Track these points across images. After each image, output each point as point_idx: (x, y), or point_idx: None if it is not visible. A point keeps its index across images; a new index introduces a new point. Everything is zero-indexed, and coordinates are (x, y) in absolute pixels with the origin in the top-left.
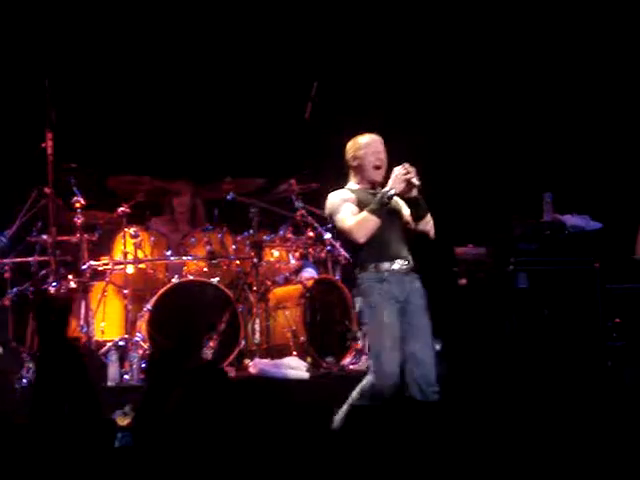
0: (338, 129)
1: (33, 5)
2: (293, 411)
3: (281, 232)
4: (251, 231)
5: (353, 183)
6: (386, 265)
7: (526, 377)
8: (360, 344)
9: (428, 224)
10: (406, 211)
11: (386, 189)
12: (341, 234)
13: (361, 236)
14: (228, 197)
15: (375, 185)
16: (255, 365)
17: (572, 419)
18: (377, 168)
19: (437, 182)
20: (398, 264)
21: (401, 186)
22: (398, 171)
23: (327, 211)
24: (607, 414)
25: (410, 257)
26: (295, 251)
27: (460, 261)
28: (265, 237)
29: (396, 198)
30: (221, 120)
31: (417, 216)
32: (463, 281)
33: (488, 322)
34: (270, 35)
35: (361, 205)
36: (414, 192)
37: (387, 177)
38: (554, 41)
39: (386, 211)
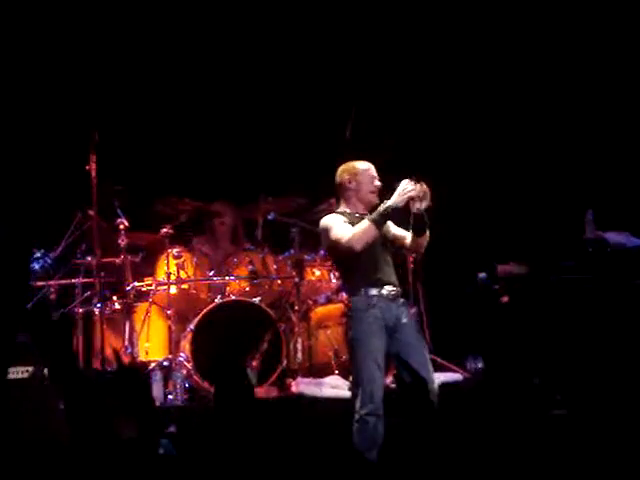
0: (377, 149)
1: (80, 29)
2: (334, 430)
3: (322, 251)
4: (292, 251)
5: (344, 207)
6: (374, 291)
7: (573, 394)
8: None
9: (425, 240)
10: (397, 233)
11: (389, 202)
12: (335, 249)
13: (359, 246)
14: (269, 217)
15: (368, 208)
16: (297, 384)
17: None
18: (373, 192)
19: (481, 196)
20: (387, 290)
21: (403, 200)
22: (404, 185)
23: (321, 230)
24: None
25: (397, 282)
26: (336, 270)
27: (502, 279)
28: (306, 256)
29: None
30: (261, 140)
31: (417, 230)
32: (505, 299)
33: (532, 340)
34: (312, 54)
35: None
36: (423, 205)
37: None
38: (587, 55)
39: (378, 235)
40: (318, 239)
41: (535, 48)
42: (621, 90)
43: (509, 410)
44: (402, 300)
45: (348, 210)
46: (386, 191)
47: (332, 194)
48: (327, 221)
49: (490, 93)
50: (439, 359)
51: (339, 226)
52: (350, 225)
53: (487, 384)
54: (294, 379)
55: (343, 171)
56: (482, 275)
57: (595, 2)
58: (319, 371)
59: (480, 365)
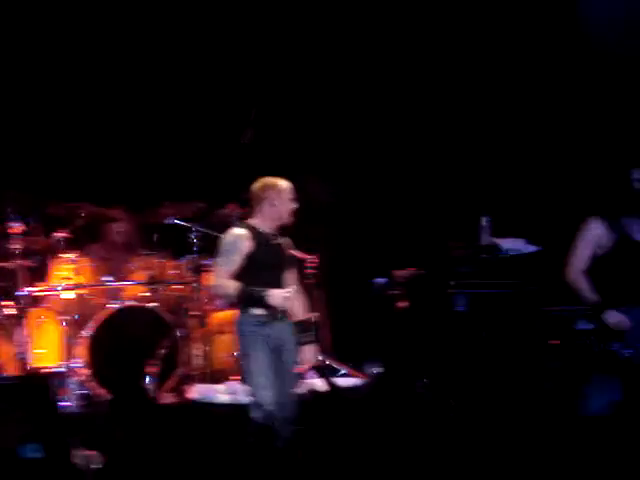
0: (277, 154)
1: None
2: (226, 436)
3: None
4: (191, 255)
5: (257, 220)
6: (261, 310)
7: (466, 398)
8: (304, 368)
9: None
10: (289, 258)
11: (267, 297)
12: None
13: (217, 293)
14: (167, 221)
15: (279, 226)
16: (194, 390)
17: (510, 438)
18: (290, 213)
19: (377, 204)
20: (273, 310)
21: (277, 302)
22: (282, 293)
23: (223, 241)
24: (545, 434)
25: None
26: None
27: (400, 284)
28: (205, 261)
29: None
30: (159, 145)
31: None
32: (403, 304)
33: (428, 345)
34: (210, 59)
35: (257, 244)
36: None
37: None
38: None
39: (272, 255)
40: (217, 244)
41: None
42: (517, 98)
43: (404, 412)
44: (288, 320)
45: (259, 224)
46: None
47: (232, 199)
48: (225, 241)
49: (385, 93)
50: (339, 364)
51: (222, 260)
52: (237, 259)
53: (383, 388)
54: (191, 385)
55: (266, 186)
56: (380, 280)
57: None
58: (218, 377)
59: (378, 369)
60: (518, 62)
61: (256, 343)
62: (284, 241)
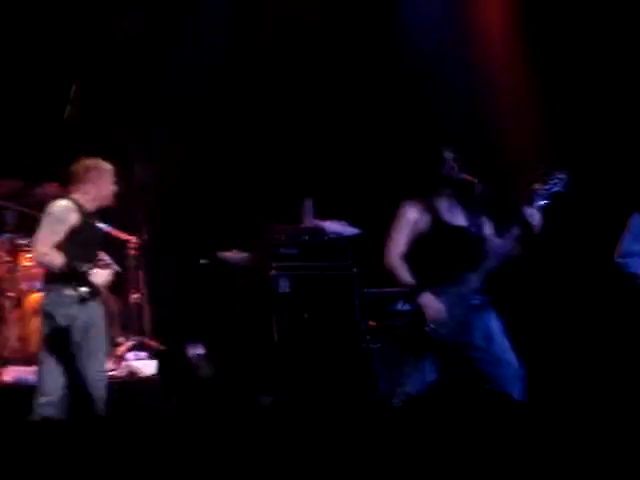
0: (98, 132)
1: None
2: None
3: None
4: (6, 235)
5: (82, 196)
6: (78, 287)
7: (288, 378)
8: (121, 350)
9: None
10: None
11: (92, 273)
12: (34, 242)
13: (40, 263)
14: None
15: (99, 207)
16: (9, 372)
17: (332, 418)
18: (110, 195)
19: (200, 186)
20: (86, 288)
21: (100, 280)
22: (105, 271)
23: (48, 211)
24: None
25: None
26: None
27: (224, 265)
28: (21, 241)
29: None
30: None
31: None
32: (229, 285)
33: (253, 326)
34: (28, 34)
35: (82, 220)
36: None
37: None
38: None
39: (93, 233)
40: (35, 223)
41: None
42: (338, 80)
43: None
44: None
45: (82, 202)
46: None
47: (50, 178)
48: (52, 211)
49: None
50: (159, 345)
51: (49, 230)
52: (64, 230)
53: (210, 368)
54: (6, 368)
55: (88, 167)
56: (204, 262)
57: None
58: (33, 359)
59: (201, 351)
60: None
61: (61, 324)
62: (100, 222)
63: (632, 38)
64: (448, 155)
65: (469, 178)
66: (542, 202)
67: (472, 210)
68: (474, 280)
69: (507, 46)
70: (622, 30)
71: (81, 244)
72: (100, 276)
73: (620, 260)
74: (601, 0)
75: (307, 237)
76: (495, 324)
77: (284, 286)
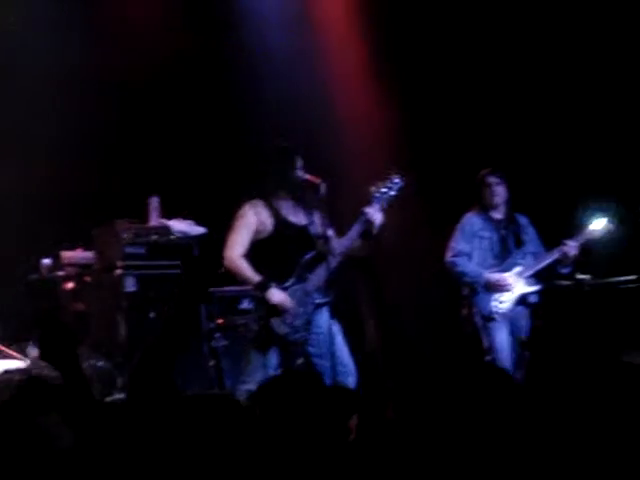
0: None
1: None
2: None
3: None
4: None
5: None
6: None
7: (136, 376)
8: None
9: None
10: None
11: None
12: None
13: None
14: None
15: None
16: None
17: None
18: None
19: (42, 185)
20: None
21: None
22: None
23: None
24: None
25: None
26: None
27: (69, 265)
28: None
29: None
30: None
31: None
32: (70, 285)
33: (101, 325)
34: None
35: None
36: None
37: None
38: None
39: None
40: None
41: None
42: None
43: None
44: None
45: None
46: None
47: None
48: None
49: None
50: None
51: None
52: None
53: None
54: None
55: None
56: (46, 261)
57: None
58: None
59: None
60: None
61: None
62: None
63: (471, 38)
64: (291, 155)
65: (312, 178)
66: (381, 204)
67: (314, 210)
68: (316, 279)
69: (350, 45)
70: (470, 30)
71: None
72: None
73: (450, 259)
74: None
75: (154, 236)
76: (335, 323)
77: (130, 285)
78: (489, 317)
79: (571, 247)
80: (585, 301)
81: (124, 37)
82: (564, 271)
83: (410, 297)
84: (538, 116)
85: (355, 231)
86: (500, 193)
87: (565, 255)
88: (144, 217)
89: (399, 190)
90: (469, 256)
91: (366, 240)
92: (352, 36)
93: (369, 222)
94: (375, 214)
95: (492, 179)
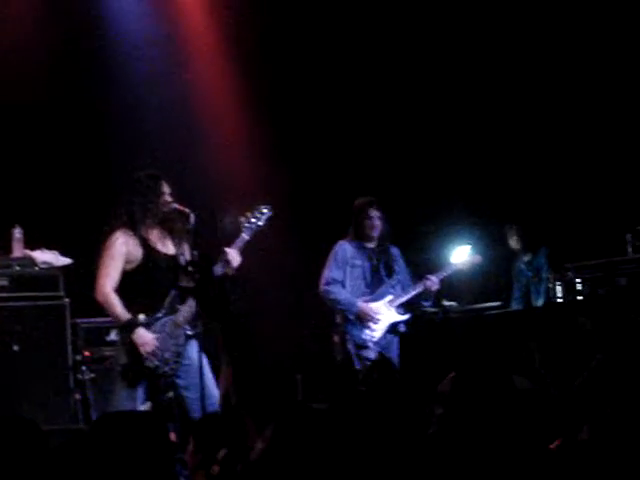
0: None
1: None
2: None
3: None
4: None
5: None
6: None
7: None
8: None
9: None
10: None
11: None
12: None
13: None
14: None
15: None
16: None
17: None
18: None
19: None
20: None
21: None
22: None
23: None
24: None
25: None
26: None
27: None
28: None
29: None
30: None
31: None
32: None
33: None
34: None
35: None
36: None
37: None
38: None
39: None
40: None
41: None
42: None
43: None
44: None
45: None
46: None
47: None
48: None
49: None
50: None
51: None
52: None
53: None
54: None
55: None
56: None
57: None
58: None
59: None
60: None
61: None
62: None
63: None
64: (158, 182)
65: (181, 208)
66: (247, 235)
67: (182, 240)
68: (186, 310)
69: (219, 67)
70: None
71: None
72: None
73: (323, 287)
74: None
75: (18, 267)
76: (203, 355)
77: None
78: (362, 345)
79: (433, 282)
80: (452, 327)
81: None
82: (426, 303)
83: (276, 323)
84: (404, 143)
85: (216, 271)
86: (379, 227)
87: (427, 289)
88: (7, 248)
89: (267, 220)
90: (342, 284)
91: (223, 281)
92: (219, 57)
93: (228, 262)
94: (234, 255)
95: (375, 212)
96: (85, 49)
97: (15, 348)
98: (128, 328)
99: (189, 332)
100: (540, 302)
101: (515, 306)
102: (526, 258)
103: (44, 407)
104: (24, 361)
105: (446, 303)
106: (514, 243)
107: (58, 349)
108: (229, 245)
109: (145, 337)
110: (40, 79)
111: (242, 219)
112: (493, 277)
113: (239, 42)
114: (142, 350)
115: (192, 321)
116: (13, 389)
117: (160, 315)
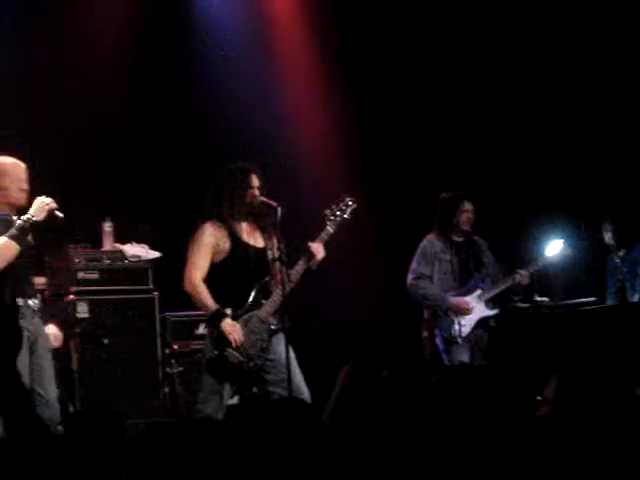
0: None
1: None
2: None
3: None
4: None
5: None
6: (21, 300)
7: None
8: None
9: None
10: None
11: (27, 215)
12: None
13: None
14: None
15: (15, 210)
16: None
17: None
18: (22, 192)
19: None
20: (32, 301)
21: (42, 215)
22: (41, 200)
23: None
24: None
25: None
26: None
27: None
28: None
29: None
30: None
31: None
32: None
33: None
34: None
35: None
36: (58, 222)
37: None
38: None
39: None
40: None
41: None
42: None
43: None
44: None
45: None
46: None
47: None
48: None
49: None
50: None
51: None
52: None
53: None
54: None
55: None
56: None
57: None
58: None
59: None
60: None
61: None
62: None
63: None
64: (247, 175)
65: (268, 201)
66: (331, 228)
67: (271, 234)
68: (271, 305)
69: (307, 71)
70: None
71: None
72: None
73: (411, 282)
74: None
75: (108, 261)
76: (291, 349)
77: (83, 311)
78: (451, 339)
79: (523, 276)
80: (544, 324)
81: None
82: (515, 298)
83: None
84: (491, 139)
85: (301, 266)
86: (473, 220)
87: (517, 283)
88: (97, 242)
89: (352, 212)
90: (430, 278)
91: (306, 276)
92: (309, 61)
93: (312, 256)
94: (318, 249)
95: (469, 206)
96: (173, 48)
97: (105, 341)
98: (217, 318)
99: (273, 326)
100: (636, 298)
101: (610, 302)
102: (621, 253)
103: (133, 400)
104: (114, 354)
105: (538, 298)
106: (608, 238)
107: (147, 342)
108: (313, 239)
109: (234, 326)
110: (130, 74)
111: (327, 212)
112: (585, 272)
113: (326, 43)
114: (231, 338)
115: (277, 315)
116: (103, 382)
117: (245, 309)
